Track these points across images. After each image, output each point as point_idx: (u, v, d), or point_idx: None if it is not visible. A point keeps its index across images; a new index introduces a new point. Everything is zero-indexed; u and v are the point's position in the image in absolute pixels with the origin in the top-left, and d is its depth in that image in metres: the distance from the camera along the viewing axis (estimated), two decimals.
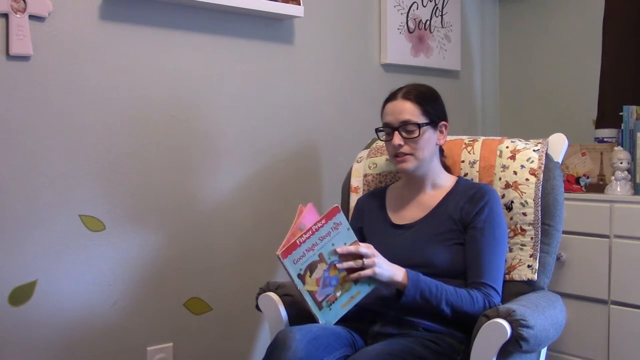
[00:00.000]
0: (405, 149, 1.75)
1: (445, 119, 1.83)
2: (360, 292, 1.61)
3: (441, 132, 1.82)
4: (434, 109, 1.79)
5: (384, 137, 1.81)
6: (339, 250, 1.57)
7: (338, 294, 1.59)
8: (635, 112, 2.28)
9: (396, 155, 1.77)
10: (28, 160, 1.86)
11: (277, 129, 2.37)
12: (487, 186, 1.82)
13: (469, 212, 1.74)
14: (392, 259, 1.63)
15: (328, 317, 1.61)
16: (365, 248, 1.59)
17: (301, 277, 1.56)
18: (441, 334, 1.64)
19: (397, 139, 1.75)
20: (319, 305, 1.59)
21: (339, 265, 1.57)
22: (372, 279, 1.60)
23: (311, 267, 1.56)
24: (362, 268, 1.58)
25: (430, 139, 1.78)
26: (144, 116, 2.06)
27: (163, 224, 2.11)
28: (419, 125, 1.74)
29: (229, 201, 2.25)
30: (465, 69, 2.99)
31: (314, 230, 1.54)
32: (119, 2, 2.00)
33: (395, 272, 1.60)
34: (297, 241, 1.54)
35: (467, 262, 1.71)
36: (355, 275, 1.58)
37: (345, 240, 1.58)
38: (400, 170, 1.81)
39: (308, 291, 1.57)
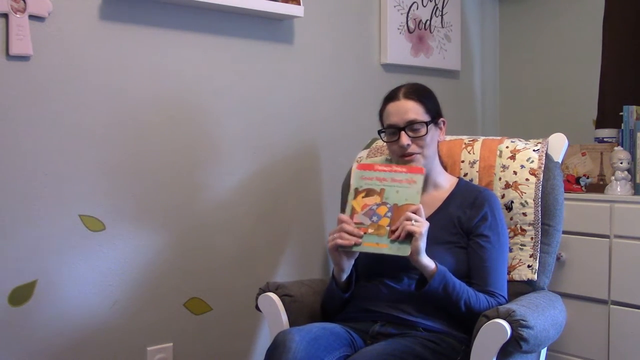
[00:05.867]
0: (413, 148, 1.75)
1: (442, 115, 1.85)
2: (387, 247, 1.59)
3: (440, 128, 1.83)
4: (433, 106, 1.80)
5: (388, 138, 1.80)
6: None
7: (370, 230, 1.61)
8: (635, 112, 2.28)
9: (403, 155, 1.77)
10: (28, 160, 1.86)
11: (277, 129, 2.36)
12: (487, 191, 1.81)
13: (471, 218, 1.74)
14: None
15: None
16: (421, 215, 1.60)
17: (357, 191, 1.67)
18: (441, 334, 1.64)
19: (405, 139, 1.74)
20: None
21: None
22: (404, 249, 1.57)
23: (369, 192, 1.65)
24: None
25: (434, 136, 1.79)
26: (144, 116, 2.06)
27: (163, 224, 2.11)
28: (426, 124, 1.75)
29: (229, 201, 2.25)
30: (465, 69, 2.98)
31: (393, 169, 1.66)
32: (119, 2, 1.99)
33: (428, 258, 1.61)
34: (376, 166, 1.67)
35: (473, 268, 1.71)
36: (399, 232, 1.58)
37: (408, 197, 1.61)
38: None
39: (352, 206, 1.66)
